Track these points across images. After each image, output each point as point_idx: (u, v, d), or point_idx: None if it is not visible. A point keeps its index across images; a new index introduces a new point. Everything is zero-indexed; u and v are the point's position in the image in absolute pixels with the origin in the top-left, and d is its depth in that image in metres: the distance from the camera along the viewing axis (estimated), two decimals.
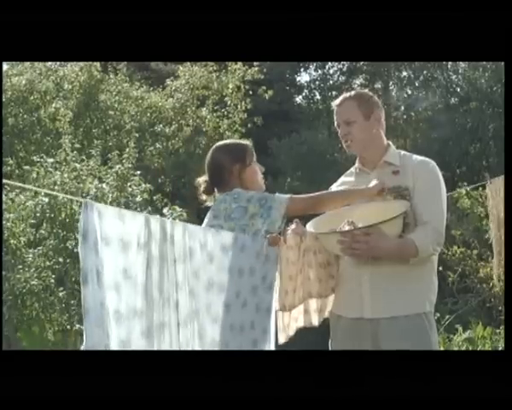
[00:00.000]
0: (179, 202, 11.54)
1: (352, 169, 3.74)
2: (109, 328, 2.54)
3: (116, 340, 2.60)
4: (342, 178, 3.78)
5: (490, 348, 8.38)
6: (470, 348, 8.46)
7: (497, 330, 8.69)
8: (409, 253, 3.33)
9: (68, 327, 8.20)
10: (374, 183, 3.51)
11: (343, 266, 3.57)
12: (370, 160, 3.62)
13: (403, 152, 3.65)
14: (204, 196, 3.62)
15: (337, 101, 3.65)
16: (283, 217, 3.39)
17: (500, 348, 8.22)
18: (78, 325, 7.93)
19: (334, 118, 3.64)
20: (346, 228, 3.31)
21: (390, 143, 3.65)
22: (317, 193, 3.56)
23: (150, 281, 2.75)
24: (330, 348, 3.64)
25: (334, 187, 3.77)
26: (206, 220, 3.47)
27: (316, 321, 3.68)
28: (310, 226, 3.51)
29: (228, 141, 3.82)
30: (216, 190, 3.58)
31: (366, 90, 3.85)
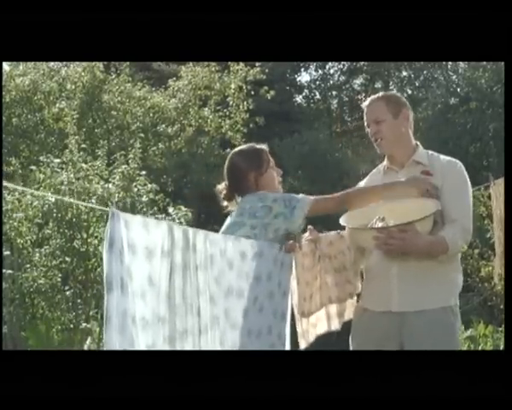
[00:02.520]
0: (181, 201, 11.58)
1: (380, 167, 3.79)
2: (134, 335, 2.59)
3: (143, 346, 2.65)
4: (369, 177, 3.83)
5: (491, 347, 8.43)
6: (472, 347, 8.52)
7: (499, 329, 8.74)
8: (440, 250, 3.41)
9: (73, 326, 8.24)
10: (406, 178, 3.54)
11: (372, 263, 3.64)
12: (399, 158, 3.67)
13: (430, 152, 3.71)
14: (225, 202, 3.59)
15: (366, 102, 3.71)
16: (304, 217, 3.40)
17: (502, 347, 8.28)
18: (84, 324, 7.98)
19: (364, 118, 3.69)
20: (380, 224, 3.38)
21: (418, 143, 3.71)
22: (340, 193, 3.55)
23: (173, 288, 2.80)
24: (351, 341, 3.68)
25: (363, 185, 3.81)
26: (229, 219, 3.48)
27: (337, 325, 3.76)
28: (343, 221, 3.56)
29: (244, 147, 3.71)
30: (236, 195, 3.55)
31: (394, 92, 3.93)
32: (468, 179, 3.62)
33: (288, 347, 3.52)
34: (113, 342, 2.51)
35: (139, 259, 2.67)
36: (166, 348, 2.77)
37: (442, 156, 3.69)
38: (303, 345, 3.67)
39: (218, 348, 3.06)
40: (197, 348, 2.92)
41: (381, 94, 3.74)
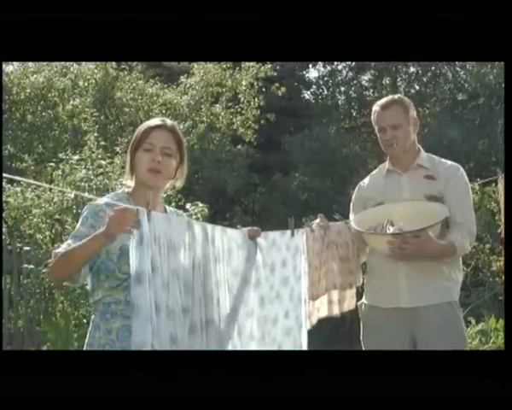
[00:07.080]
0: (192, 197, 11.67)
1: (383, 168, 3.85)
2: (158, 326, 2.69)
3: (167, 336, 2.77)
4: (370, 178, 3.90)
5: (503, 340, 8.53)
6: (483, 340, 8.61)
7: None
8: (449, 254, 3.56)
9: (86, 321, 8.30)
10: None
11: (376, 259, 3.74)
12: (404, 162, 3.75)
13: (431, 155, 3.80)
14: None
15: (382, 104, 3.73)
16: None
17: None
18: None
19: (377, 121, 3.72)
20: (391, 228, 3.50)
21: (420, 146, 3.79)
22: None
23: (195, 280, 2.95)
24: (362, 339, 3.81)
25: (365, 186, 3.89)
26: None
27: (337, 311, 3.88)
28: (354, 225, 3.70)
29: None
30: None
31: (402, 95, 3.99)
32: (469, 184, 3.74)
33: (304, 328, 3.62)
34: (143, 334, 2.61)
35: (164, 252, 2.79)
36: (190, 338, 2.89)
37: (443, 160, 3.78)
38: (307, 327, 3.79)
39: (235, 337, 3.20)
40: (218, 339, 3.05)
41: (396, 97, 3.77)
